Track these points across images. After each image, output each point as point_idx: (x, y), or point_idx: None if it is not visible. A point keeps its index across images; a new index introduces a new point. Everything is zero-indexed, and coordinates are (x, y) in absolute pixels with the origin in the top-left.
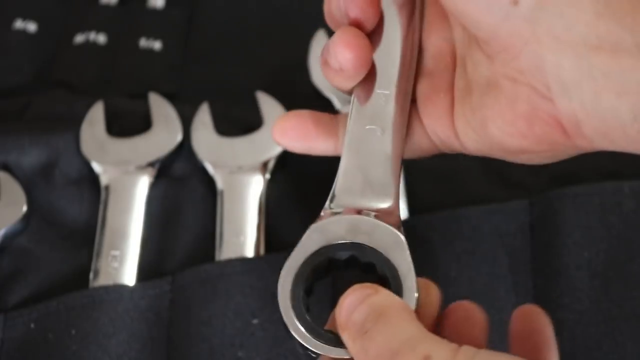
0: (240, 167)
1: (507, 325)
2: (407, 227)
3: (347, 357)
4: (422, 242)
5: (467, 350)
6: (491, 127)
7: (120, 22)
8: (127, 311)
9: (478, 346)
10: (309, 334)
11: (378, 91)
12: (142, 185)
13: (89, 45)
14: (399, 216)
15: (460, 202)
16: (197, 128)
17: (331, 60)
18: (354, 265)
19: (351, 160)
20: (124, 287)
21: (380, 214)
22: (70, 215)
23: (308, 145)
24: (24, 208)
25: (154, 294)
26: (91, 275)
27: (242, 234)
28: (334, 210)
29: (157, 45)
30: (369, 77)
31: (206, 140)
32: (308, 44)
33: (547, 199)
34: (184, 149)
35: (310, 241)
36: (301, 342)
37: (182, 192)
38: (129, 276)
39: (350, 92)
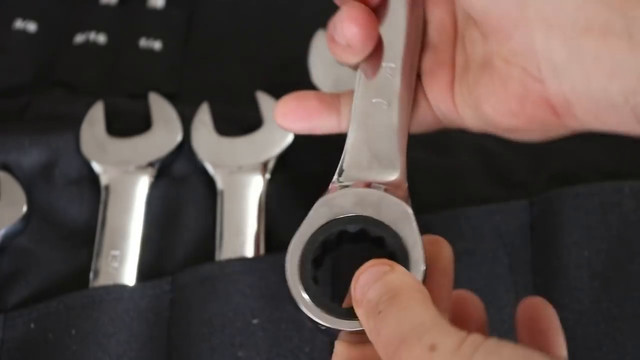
0: (240, 167)
1: (507, 325)
2: None
3: (358, 329)
4: None
5: (474, 340)
6: (485, 105)
7: (120, 22)
8: (127, 311)
9: (479, 329)
10: (318, 306)
11: (384, 65)
12: (142, 185)
13: (89, 45)
14: (407, 189)
15: (461, 202)
16: (197, 128)
17: (338, 37)
18: (363, 239)
19: (358, 134)
20: (124, 287)
21: (388, 187)
22: (70, 215)
23: (310, 124)
24: (24, 208)
25: (154, 294)
26: (91, 275)
27: (242, 234)
28: (342, 184)
29: (157, 45)
30: (375, 51)
31: (206, 140)
32: (308, 44)
33: (547, 199)
34: (184, 149)
35: (318, 214)
36: (310, 315)
37: (182, 192)
38: (129, 276)
39: (356, 67)
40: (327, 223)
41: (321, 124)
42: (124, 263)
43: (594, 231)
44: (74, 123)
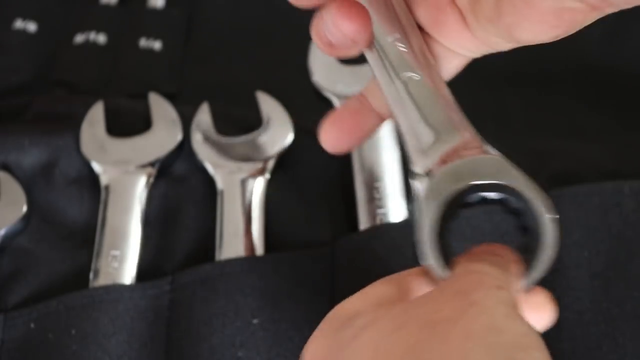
0: (240, 167)
1: None
2: (406, 227)
3: (437, 274)
4: None
5: None
6: (518, 31)
7: (120, 22)
8: (127, 311)
9: None
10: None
11: (389, 39)
12: (142, 185)
13: (89, 45)
14: (481, 139)
15: None
16: (197, 128)
17: (337, 39)
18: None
19: (408, 116)
20: (124, 287)
21: (467, 149)
22: (70, 215)
23: (359, 137)
24: (24, 208)
25: (153, 294)
26: (91, 275)
27: (242, 234)
28: (423, 172)
29: (157, 45)
30: (372, 33)
31: (206, 140)
32: (308, 44)
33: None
34: (184, 149)
35: (430, 209)
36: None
37: (182, 192)
38: (128, 276)
39: (359, 55)
40: (448, 205)
41: (367, 130)
42: (124, 263)
43: (594, 231)
44: (74, 123)
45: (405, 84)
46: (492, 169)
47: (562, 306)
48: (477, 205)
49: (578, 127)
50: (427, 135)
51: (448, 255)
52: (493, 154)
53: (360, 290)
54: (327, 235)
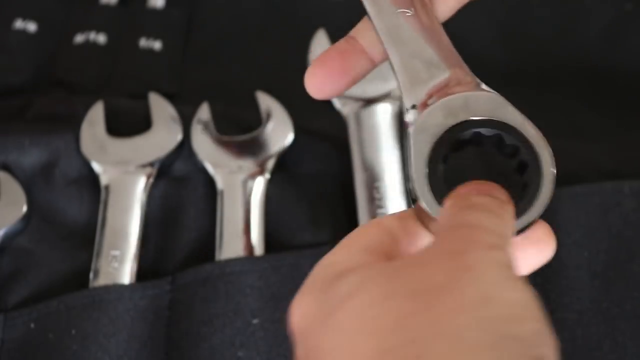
0: (240, 167)
1: None
2: None
3: (430, 213)
4: None
5: None
6: None
7: (120, 22)
8: (127, 311)
9: None
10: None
11: None
12: (142, 185)
13: (89, 45)
14: (474, 76)
15: None
16: (197, 128)
17: None
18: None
19: (400, 51)
20: (124, 287)
21: (460, 85)
22: (70, 215)
23: (347, 81)
24: (24, 208)
25: (153, 293)
26: (91, 275)
27: (242, 234)
28: (414, 106)
29: (157, 45)
30: None
31: (206, 140)
32: (308, 44)
33: None
34: (184, 149)
35: (421, 142)
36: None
37: (182, 192)
38: (129, 276)
39: None
40: (439, 140)
41: (356, 73)
42: (124, 263)
43: (594, 231)
44: (74, 123)
45: (398, 18)
46: (486, 106)
47: (562, 306)
48: (470, 143)
49: (578, 127)
50: (419, 70)
51: (441, 194)
52: (488, 90)
53: (348, 236)
54: (327, 235)
